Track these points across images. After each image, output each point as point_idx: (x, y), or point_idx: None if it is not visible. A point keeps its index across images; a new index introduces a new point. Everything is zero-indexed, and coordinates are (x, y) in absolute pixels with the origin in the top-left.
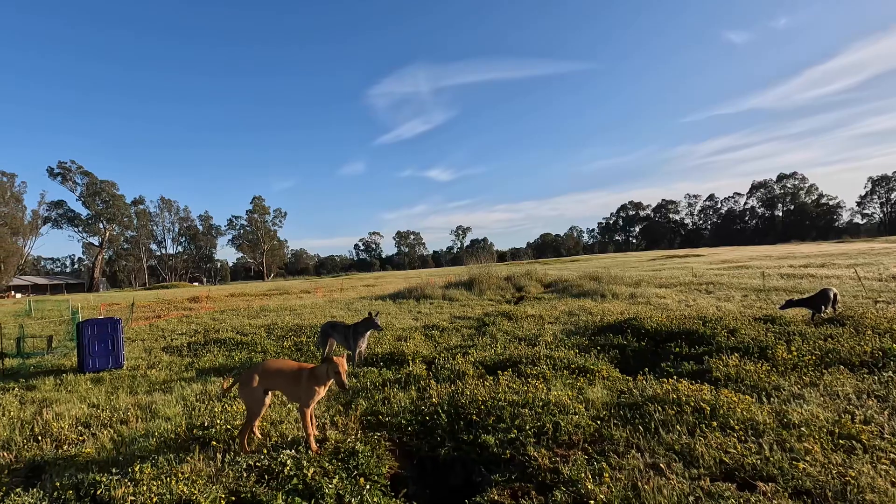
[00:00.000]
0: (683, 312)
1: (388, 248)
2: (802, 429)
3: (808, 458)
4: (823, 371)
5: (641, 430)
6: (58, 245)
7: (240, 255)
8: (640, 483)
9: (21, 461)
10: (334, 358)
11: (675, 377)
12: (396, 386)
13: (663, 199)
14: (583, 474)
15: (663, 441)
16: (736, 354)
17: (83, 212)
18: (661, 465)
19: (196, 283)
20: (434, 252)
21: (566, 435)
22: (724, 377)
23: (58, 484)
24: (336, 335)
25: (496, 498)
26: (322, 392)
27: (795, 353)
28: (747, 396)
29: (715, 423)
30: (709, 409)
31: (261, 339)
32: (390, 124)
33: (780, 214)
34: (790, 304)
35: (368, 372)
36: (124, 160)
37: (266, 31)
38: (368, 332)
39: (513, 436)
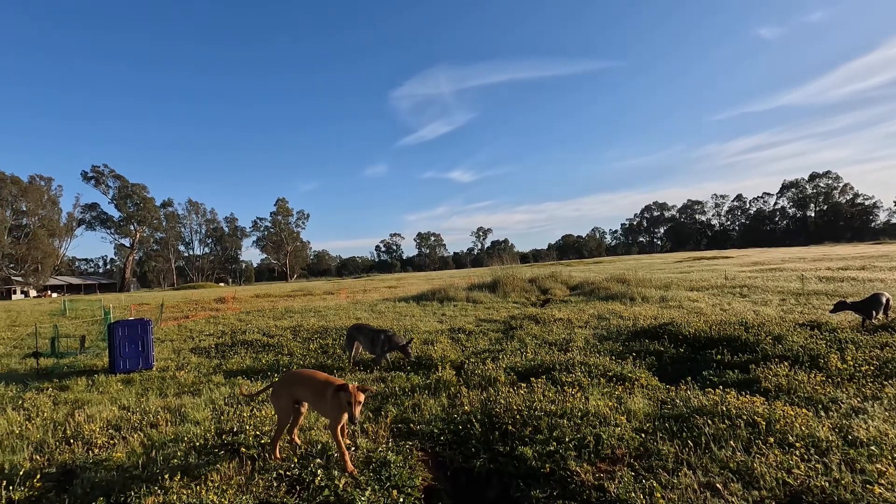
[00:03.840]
0: (720, 317)
1: (409, 249)
2: (872, 447)
3: (882, 482)
4: (884, 383)
5: (691, 445)
6: (91, 246)
7: (264, 256)
8: None
9: (53, 464)
10: (349, 386)
11: (720, 387)
12: (426, 392)
13: (689, 200)
14: (632, 493)
15: (716, 458)
16: (785, 363)
17: (115, 214)
18: (718, 484)
19: (222, 284)
20: (455, 253)
21: (609, 449)
22: (775, 388)
23: (89, 489)
24: (363, 339)
25: None
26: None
27: (851, 363)
28: (803, 410)
29: (772, 440)
30: (764, 423)
31: (287, 341)
32: (413, 126)
33: (813, 215)
34: (842, 305)
35: (396, 377)
36: (154, 164)
37: (290, 36)
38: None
39: (552, 448)
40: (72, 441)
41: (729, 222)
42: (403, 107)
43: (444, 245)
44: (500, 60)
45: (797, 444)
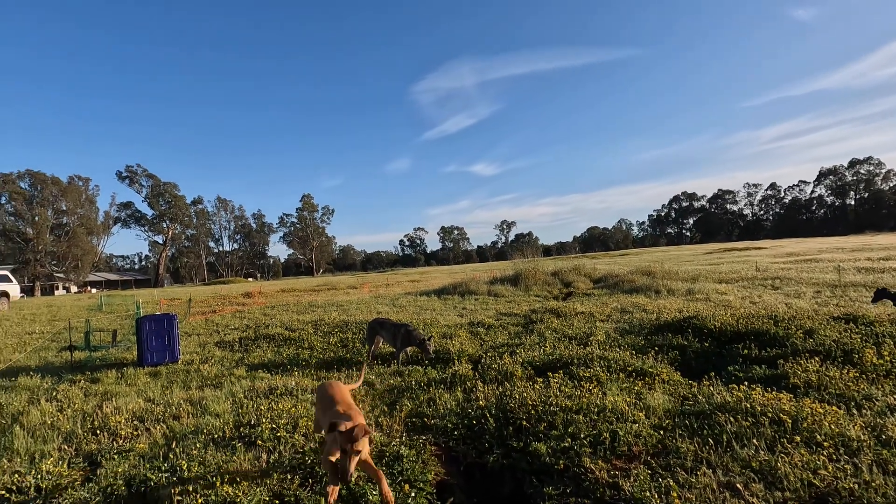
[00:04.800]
0: (749, 310)
1: (433, 243)
2: None
3: None
4: None
5: (711, 443)
6: (127, 243)
7: (290, 251)
8: None
9: (80, 454)
10: (340, 426)
11: (745, 383)
12: (442, 386)
13: (720, 189)
14: (647, 492)
15: (738, 457)
16: (816, 358)
17: (148, 212)
18: (738, 484)
19: (250, 279)
20: (478, 247)
21: (625, 446)
22: (804, 384)
23: (112, 479)
24: (385, 333)
25: None
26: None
27: (888, 358)
28: (834, 407)
29: (798, 438)
30: (790, 420)
31: (308, 335)
32: (435, 120)
33: (853, 203)
34: (883, 293)
35: (413, 370)
36: (184, 162)
37: (313, 34)
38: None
39: (566, 444)
40: (98, 431)
41: (762, 212)
42: (425, 101)
43: (468, 239)
44: (524, 51)
45: (825, 444)
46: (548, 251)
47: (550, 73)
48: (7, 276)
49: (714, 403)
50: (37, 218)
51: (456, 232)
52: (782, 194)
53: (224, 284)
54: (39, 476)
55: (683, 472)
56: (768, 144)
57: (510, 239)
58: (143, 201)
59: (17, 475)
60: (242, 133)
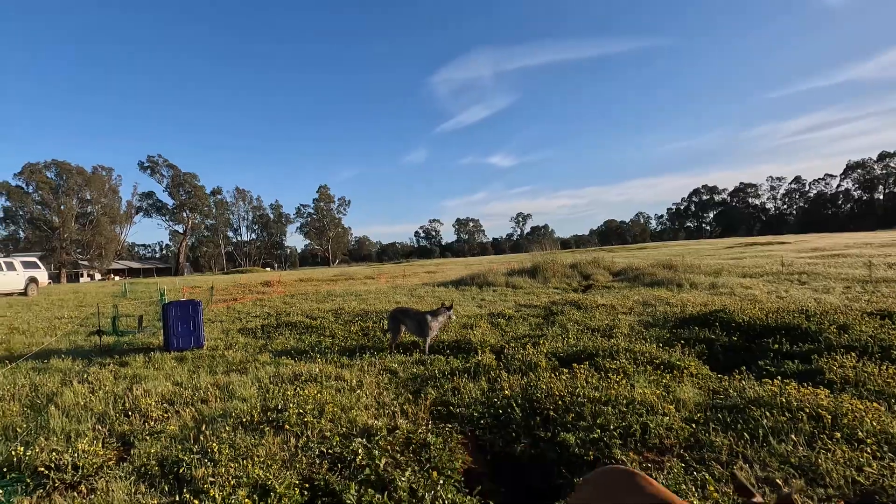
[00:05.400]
0: (777, 305)
1: (448, 235)
2: None
3: None
4: None
5: (746, 438)
6: (149, 232)
7: (307, 241)
8: None
9: (114, 434)
10: None
11: (778, 378)
12: (465, 376)
13: (741, 183)
14: (682, 485)
15: (776, 452)
16: (852, 354)
17: (169, 202)
18: (777, 480)
19: (268, 269)
20: (493, 239)
21: (657, 438)
22: (841, 380)
23: (145, 459)
24: (409, 321)
25: None
26: None
27: None
28: (874, 404)
29: (839, 434)
30: (829, 416)
31: (329, 323)
32: (451, 111)
33: (881, 197)
34: None
35: (436, 360)
36: (203, 153)
37: (331, 24)
38: (442, 320)
39: (595, 436)
40: (130, 413)
41: (785, 206)
42: (442, 92)
43: (483, 231)
44: (541, 41)
45: (868, 441)
46: (565, 244)
47: (569, 63)
48: (36, 262)
49: (747, 397)
50: (62, 207)
51: (471, 224)
52: (807, 188)
53: (243, 274)
54: (76, 455)
55: (719, 467)
56: (793, 137)
57: (526, 231)
58: (163, 191)
59: (54, 453)
60: (261, 123)
